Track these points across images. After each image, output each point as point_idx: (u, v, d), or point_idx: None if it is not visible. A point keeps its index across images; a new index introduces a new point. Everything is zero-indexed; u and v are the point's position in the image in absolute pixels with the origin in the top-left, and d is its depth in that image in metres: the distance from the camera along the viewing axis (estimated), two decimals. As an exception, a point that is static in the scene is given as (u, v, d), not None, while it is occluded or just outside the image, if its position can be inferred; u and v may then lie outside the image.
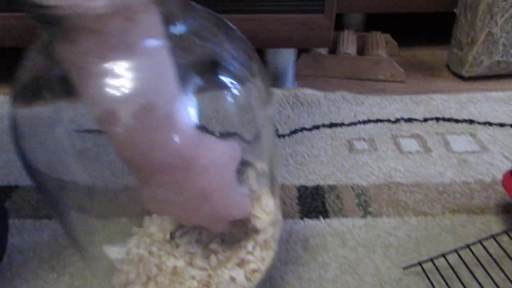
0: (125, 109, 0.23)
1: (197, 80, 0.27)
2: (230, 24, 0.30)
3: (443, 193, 0.49)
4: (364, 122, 0.64)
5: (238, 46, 0.30)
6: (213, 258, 0.35)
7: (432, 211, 0.47)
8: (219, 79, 0.28)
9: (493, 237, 0.38)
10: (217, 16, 0.30)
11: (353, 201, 0.48)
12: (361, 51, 0.86)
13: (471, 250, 0.38)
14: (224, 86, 0.28)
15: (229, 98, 0.28)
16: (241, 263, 0.34)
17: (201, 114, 0.26)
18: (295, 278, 0.39)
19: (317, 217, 0.46)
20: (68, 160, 0.31)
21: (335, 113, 0.67)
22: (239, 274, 0.33)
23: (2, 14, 0.66)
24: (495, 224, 0.45)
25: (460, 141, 0.59)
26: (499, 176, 0.52)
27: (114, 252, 0.35)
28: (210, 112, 0.28)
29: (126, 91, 0.23)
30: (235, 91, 0.28)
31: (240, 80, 0.28)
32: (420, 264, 0.38)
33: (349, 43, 0.85)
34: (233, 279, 0.33)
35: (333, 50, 0.85)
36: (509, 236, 0.40)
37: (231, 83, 0.28)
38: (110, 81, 0.23)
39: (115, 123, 0.24)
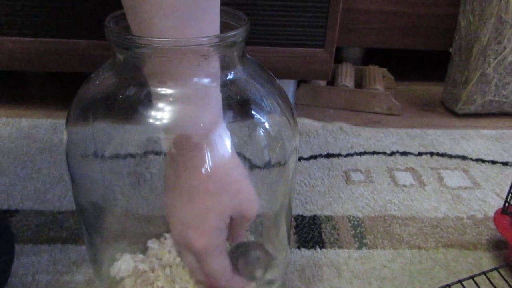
0: (166, 138, 0.28)
1: (235, 115, 0.29)
2: (268, 71, 0.34)
3: (437, 227, 0.51)
4: (361, 153, 0.66)
5: (274, 89, 0.33)
6: None
7: (426, 245, 0.48)
8: (253, 114, 0.31)
9: (485, 273, 0.40)
10: (258, 63, 0.34)
11: (349, 232, 0.49)
12: (358, 84, 0.89)
13: (463, 286, 0.39)
14: (257, 120, 0.31)
15: (262, 130, 0.31)
16: None
17: (236, 144, 0.29)
18: (291, 307, 0.39)
19: (313, 247, 0.47)
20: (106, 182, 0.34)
21: (333, 144, 0.68)
22: None
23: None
24: (486, 260, 0.46)
25: (454, 177, 0.61)
26: (491, 213, 0.54)
27: (117, 268, 0.37)
28: (244, 142, 0.31)
29: (168, 122, 0.27)
30: (267, 125, 0.32)
31: (271, 115, 0.31)
32: (414, 297, 0.39)
33: (347, 76, 0.87)
34: None
35: (331, 82, 0.87)
36: (500, 273, 0.42)
37: (265, 117, 0.32)
38: (160, 107, 0.27)
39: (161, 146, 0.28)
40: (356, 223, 0.51)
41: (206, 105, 0.28)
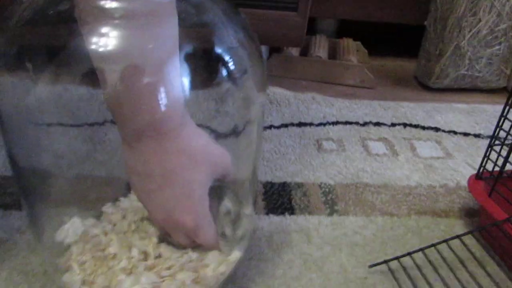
0: (112, 69, 0.23)
1: (195, 50, 0.25)
2: (241, 12, 0.30)
3: (409, 195, 0.49)
4: (333, 123, 0.64)
5: (244, 31, 0.29)
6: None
7: (398, 212, 0.46)
8: (217, 55, 0.27)
9: (459, 237, 0.38)
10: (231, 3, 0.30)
11: (319, 199, 0.47)
12: (332, 57, 0.86)
13: (437, 250, 0.38)
14: (222, 62, 0.27)
15: (225, 73, 0.27)
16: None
17: (194, 89, 0.25)
18: (258, 274, 0.37)
19: (282, 213, 0.44)
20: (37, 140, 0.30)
21: (305, 113, 0.66)
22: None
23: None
24: (458, 227, 0.45)
25: (426, 147, 0.59)
26: (463, 182, 0.53)
27: (64, 233, 0.33)
28: (205, 88, 0.27)
29: (115, 49, 0.22)
30: (232, 66, 0.27)
31: (239, 59, 0.27)
32: (386, 262, 0.37)
33: (320, 47, 0.85)
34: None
35: (304, 54, 0.84)
36: (474, 237, 0.40)
37: (230, 58, 0.27)
38: (104, 33, 0.22)
39: (103, 81, 0.23)
40: (327, 190, 0.49)
41: (160, 28, 0.23)
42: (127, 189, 0.40)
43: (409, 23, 0.90)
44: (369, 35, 0.99)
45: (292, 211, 0.45)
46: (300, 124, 0.62)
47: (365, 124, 0.64)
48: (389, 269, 0.37)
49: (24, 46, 0.25)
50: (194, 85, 0.27)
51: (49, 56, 0.25)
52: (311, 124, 0.63)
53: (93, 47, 0.22)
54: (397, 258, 0.37)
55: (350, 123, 0.64)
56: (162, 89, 0.24)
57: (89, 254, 0.32)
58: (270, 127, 0.61)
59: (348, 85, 0.80)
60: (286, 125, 0.62)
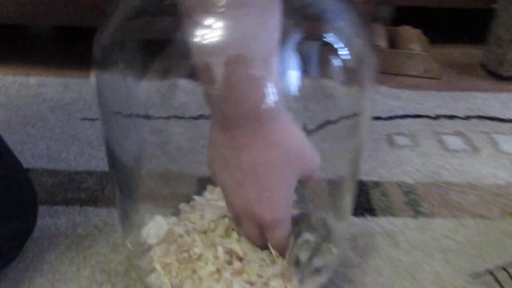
0: (219, 61, 0.21)
1: (303, 40, 0.23)
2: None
3: (500, 196, 0.45)
4: (403, 117, 0.60)
5: (356, 20, 0.27)
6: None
7: (491, 214, 0.42)
8: (327, 45, 0.24)
9: None
10: None
11: (401, 199, 0.44)
12: (391, 46, 0.82)
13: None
14: (332, 53, 0.24)
15: (335, 64, 0.25)
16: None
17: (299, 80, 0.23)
18: (346, 282, 0.34)
19: (363, 214, 0.41)
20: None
21: (371, 107, 0.62)
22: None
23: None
24: (560, 232, 0.41)
25: (509, 142, 0.55)
26: (556, 181, 0.48)
27: (149, 231, 0.32)
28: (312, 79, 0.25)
29: (224, 40, 0.21)
30: (343, 58, 0.25)
31: (350, 50, 0.25)
32: (491, 272, 0.34)
33: (379, 36, 0.80)
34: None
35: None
36: None
37: (341, 49, 0.24)
38: (210, 25, 0.20)
39: (209, 73, 0.22)
40: (407, 189, 0.45)
41: (265, 17, 0.21)
42: (201, 187, 0.38)
43: (473, 7, 0.84)
44: (428, 21, 0.93)
45: (373, 212, 0.42)
46: (367, 118, 0.59)
47: (437, 117, 0.60)
48: (496, 279, 0.33)
49: (127, 40, 0.24)
50: (298, 77, 0.25)
51: (153, 50, 0.23)
52: (379, 118, 0.59)
53: (199, 39, 0.20)
54: (503, 268, 0.34)
55: (421, 116, 0.60)
56: (268, 80, 0.22)
57: (173, 255, 0.31)
58: (336, 122, 0.58)
59: (411, 75, 0.76)
60: (352, 119, 0.58)
